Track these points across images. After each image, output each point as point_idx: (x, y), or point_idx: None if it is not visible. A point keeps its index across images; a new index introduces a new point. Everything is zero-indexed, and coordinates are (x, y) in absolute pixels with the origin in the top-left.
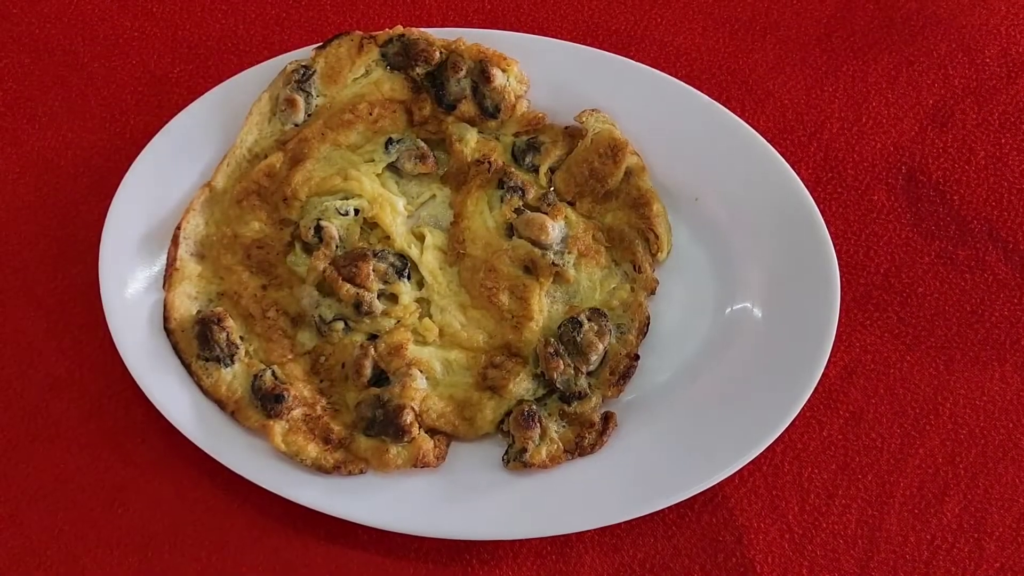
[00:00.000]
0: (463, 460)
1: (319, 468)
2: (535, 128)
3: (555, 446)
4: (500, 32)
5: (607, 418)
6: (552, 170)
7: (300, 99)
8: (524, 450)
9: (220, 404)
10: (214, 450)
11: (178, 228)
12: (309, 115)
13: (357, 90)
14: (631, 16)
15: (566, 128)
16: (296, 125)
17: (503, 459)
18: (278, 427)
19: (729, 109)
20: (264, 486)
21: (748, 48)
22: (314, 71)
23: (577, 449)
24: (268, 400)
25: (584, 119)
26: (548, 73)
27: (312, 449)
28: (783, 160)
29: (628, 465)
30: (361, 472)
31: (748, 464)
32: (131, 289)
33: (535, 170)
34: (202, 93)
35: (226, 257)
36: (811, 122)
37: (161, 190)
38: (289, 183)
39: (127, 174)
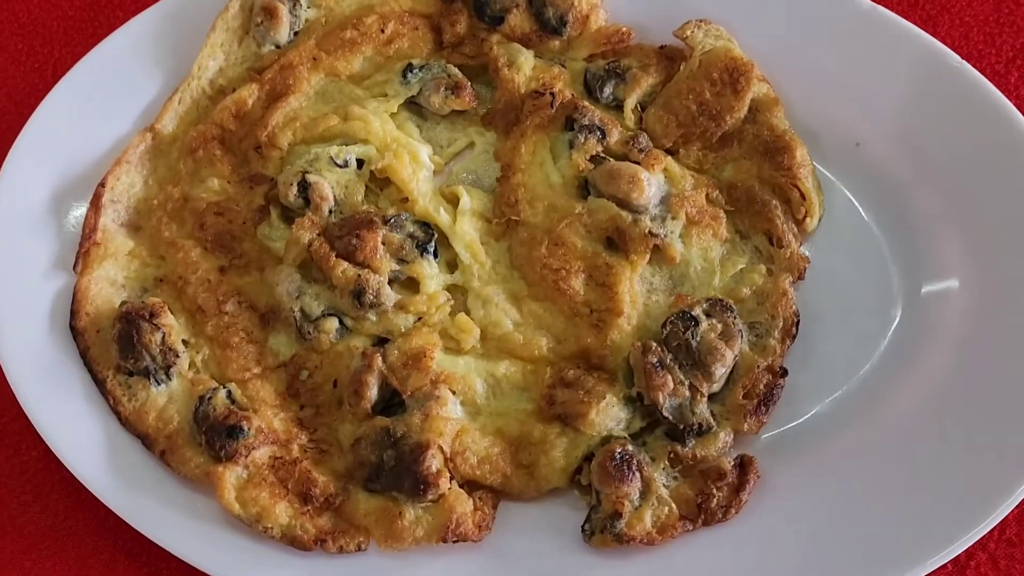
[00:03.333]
0: (519, 532)
1: (293, 542)
2: (616, 49)
3: (665, 509)
4: None
5: (744, 465)
6: (642, 107)
7: (283, 8)
8: (617, 516)
9: (146, 440)
10: (132, 513)
11: (101, 186)
12: (296, 33)
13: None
14: None
15: (661, 48)
16: (277, 47)
17: (583, 530)
18: (230, 476)
19: None
20: (207, 569)
21: None
22: None
23: (700, 514)
24: (218, 434)
25: (688, 34)
26: None
27: (283, 512)
28: (992, 86)
29: (780, 542)
30: (359, 549)
31: (976, 543)
32: (24, 271)
33: (618, 106)
34: None
35: (170, 228)
36: (1007, 45)
37: (81, 136)
38: (265, 125)
39: (33, 115)
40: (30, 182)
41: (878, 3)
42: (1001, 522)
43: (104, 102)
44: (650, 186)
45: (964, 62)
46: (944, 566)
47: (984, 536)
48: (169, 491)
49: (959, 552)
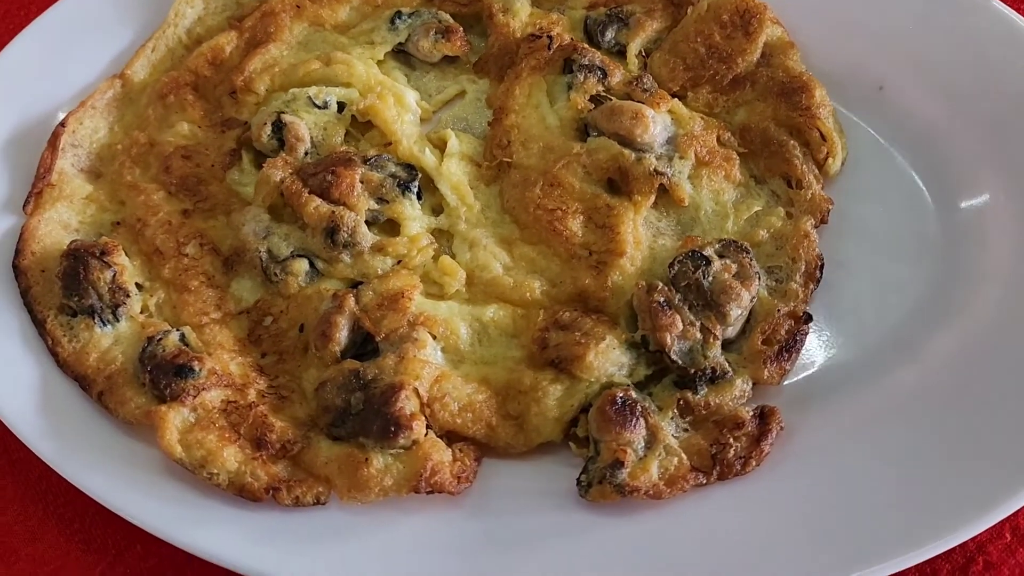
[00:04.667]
0: (505, 488)
1: (242, 490)
2: None
3: (675, 460)
4: None
5: (766, 415)
6: (646, 53)
7: None
8: (618, 465)
9: (83, 382)
10: (60, 459)
11: (61, 126)
12: None
13: None
14: None
15: None
16: None
17: (579, 483)
18: (174, 417)
19: None
20: (142, 523)
21: None
22: None
23: (715, 466)
24: (163, 372)
25: None
26: None
27: (231, 457)
28: (1015, 15)
29: (808, 499)
30: (318, 501)
31: None
32: None
33: (620, 52)
34: None
35: (132, 172)
36: None
37: (48, 80)
38: (242, 71)
39: None
40: None
41: None
42: None
43: (74, 47)
44: (655, 124)
45: None
46: (1003, 536)
47: None
48: (105, 439)
49: (999, 519)
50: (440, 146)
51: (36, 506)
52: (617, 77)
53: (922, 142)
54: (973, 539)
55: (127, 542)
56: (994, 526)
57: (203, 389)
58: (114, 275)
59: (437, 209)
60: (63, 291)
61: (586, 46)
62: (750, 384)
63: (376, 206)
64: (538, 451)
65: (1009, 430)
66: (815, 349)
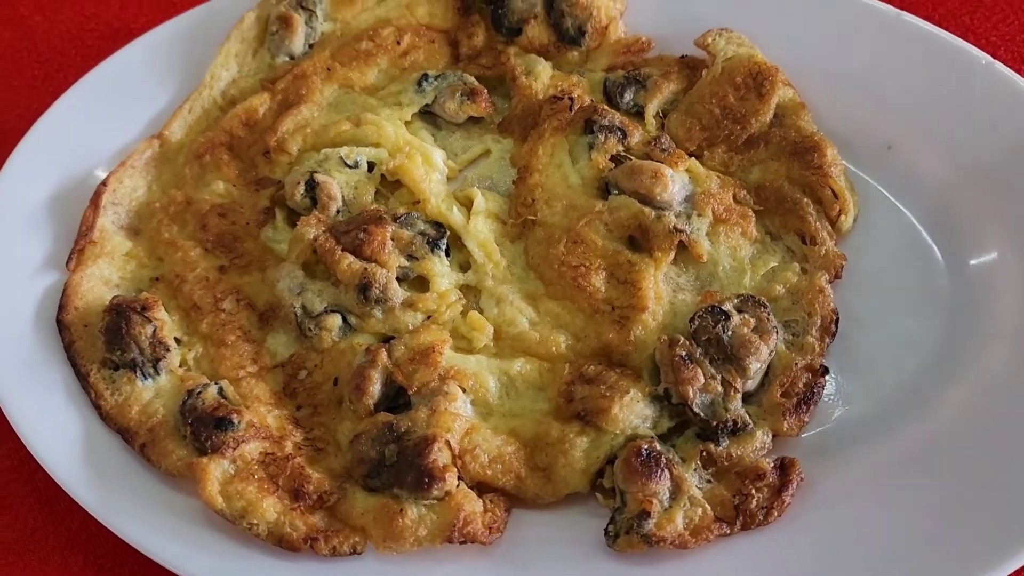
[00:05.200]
0: (535, 538)
1: (281, 541)
2: (636, 60)
3: (699, 510)
4: None
5: (786, 466)
6: (664, 114)
7: (299, 18)
8: (645, 515)
9: (126, 435)
10: (104, 510)
11: (103, 185)
12: (311, 46)
13: (381, 14)
14: None
15: (682, 57)
16: (291, 58)
17: (606, 533)
18: (215, 468)
19: None
20: (184, 573)
21: None
22: None
23: (738, 516)
24: (204, 425)
25: (710, 42)
26: None
27: (271, 508)
28: (1019, 78)
29: (829, 547)
30: (354, 551)
31: None
32: (17, 266)
33: (639, 112)
34: None
35: (170, 229)
36: None
37: (89, 140)
38: (275, 131)
39: (43, 116)
40: (33, 180)
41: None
42: None
43: (115, 108)
44: (673, 182)
45: (991, 58)
46: None
47: None
48: (148, 490)
49: (1013, 570)
50: (467, 204)
51: (77, 555)
52: (636, 137)
53: (931, 199)
54: None
55: None
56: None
57: (242, 441)
58: (154, 330)
59: (465, 265)
60: (106, 345)
61: (606, 107)
62: (770, 436)
63: (406, 263)
64: (566, 502)
65: (1022, 482)
66: (832, 401)
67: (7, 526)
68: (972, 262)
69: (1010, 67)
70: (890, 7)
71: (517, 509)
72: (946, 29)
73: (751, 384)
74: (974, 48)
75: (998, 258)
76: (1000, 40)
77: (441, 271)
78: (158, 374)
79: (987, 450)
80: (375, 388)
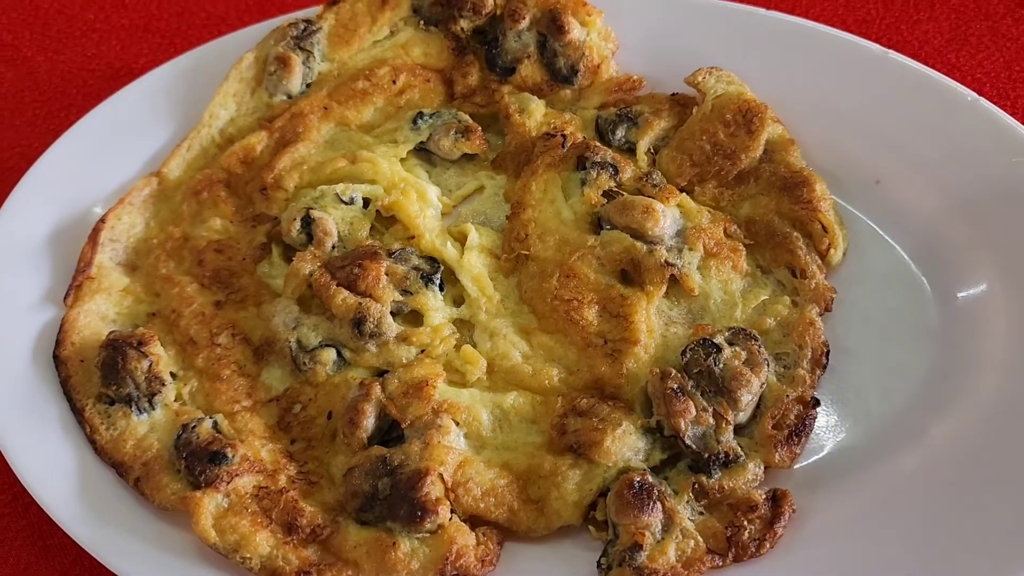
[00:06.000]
0: (528, 570)
1: (273, 575)
2: (627, 98)
3: (691, 543)
4: None
5: (778, 498)
6: (654, 151)
7: (297, 58)
8: (637, 548)
9: (120, 469)
10: (98, 545)
11: (101, 222)
12: (308, 85)
13: (377, 54)
14: None
15: (672, 95)
16: (288, 97)
17: (599, 566)
18: (209, 503)
19: None
20: None
21: (912, 20)
22: (319, 28)
23: (730, 548)
24: (199, 459)
25: (700, 80)
26: (646, 31)
27: (264, 541)
28: (1011, 119)
29: None
30: None
31: None
32: (14, 302)
33: (630, 149)
34: None
35: (167, 265)
36: (1021, 98)
37: (88, 178)
38: (272, 168)
39: (42, 155)
40: (32, 217)
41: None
42: None
43: (114, 146)
44: (665, 217)
45: (976, 95)
46: None
47: None
48: (141, 525)
49: None
50: (460, 239)
51: None
52: (628, 173)
53: (919, 233)
54: None
55: None
56: None
57: (236, 475)
58: (150, 365)
59: (458, 300)
60: (102, 380)
61: (598, 144)
62: (762, 468)
63: (400, 297)
64: (558, 535)
65: (1014, 508)
66: (823, 433)
67: (0, 561)
68: (960, 294)
69: (995, 103)
70: (877, 46)
71: (510, 542)
72: (932, 67)
73: (743, 416)
74: (959, 85)
75: (987, 290)
76: (985, 77)
77: (435, 305)
78: (153, 408)
79: (978, 480)
80: (369, 421)
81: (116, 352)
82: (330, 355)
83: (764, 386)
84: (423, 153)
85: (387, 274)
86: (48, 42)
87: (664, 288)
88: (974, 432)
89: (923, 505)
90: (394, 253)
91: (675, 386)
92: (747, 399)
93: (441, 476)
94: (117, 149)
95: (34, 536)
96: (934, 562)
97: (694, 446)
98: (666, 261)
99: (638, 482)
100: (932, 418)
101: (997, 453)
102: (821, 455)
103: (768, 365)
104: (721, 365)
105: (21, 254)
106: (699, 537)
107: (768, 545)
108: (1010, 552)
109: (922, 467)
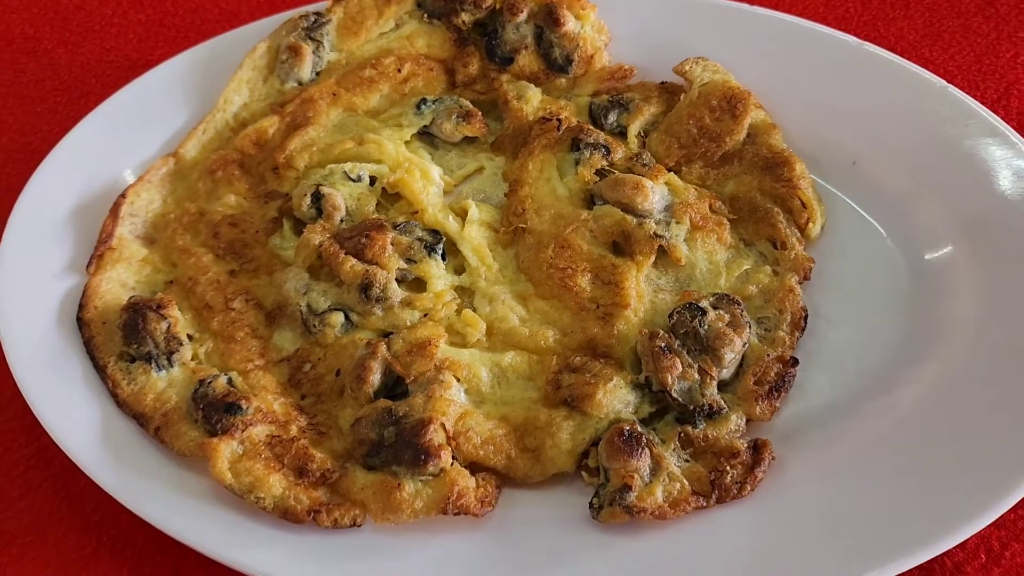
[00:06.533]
0: (524, 512)
1: (286, 513)
2: (619, 86)
3: (677, 485)
4: None
5: (759, 446)
6: (644, 134)
7: (307, 48)
8: (627, 489)
9: (141, 419)
10: (121, 489)
11: (121, 197)
12: (318, 73)
13: (383, 44)
14: None
15: (662, 84)
16: (299, 84)
17: (591, 506)
18: (225, 448)
19: None
20: (195, 545)
21: (888, 17)
22: (328, 20)
23: (714, 491)
24: (215, 409)
25: (687, 69)
26: (637, 24)
27: (277, 483)
28: (979, 106)
29: (797, 520)
30: (354, 524)
31: (991, 524)
32: (40, 270)
33: (622, 133)
34: None
35: (184, 237)
36: (992, 88)
37: (110, 157)
38: (283, 149)
39: (67, 135)
40: (57, 192)
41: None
42: None
43: (135, 128)
44: (654, 193)
45: (945, 82)
46: (979, 556)
47: (1019, 525)
48: (160, 470)
49: (969, 535)
50: (462, 214)
51: (91, 536)
52: (619, 154)
53: (891, 207)
54: (951, 559)
55: (174, 569)
56: (970, 548)
57: (250, 424)
58: (168, 326)
59: (459, 269)
60: (123, 340)
61: (591, 127)
62: (744, 420)
63: (405, 266)
64: (553, 480)
65: (974, 459)
66: (801, 389)
67: (25, 510)
68: (927, 256)
69: (965, 92)
70: (853, 38)
71: (507, 488)
72: (907, 60)
73: (726, 373)
74: (930, 74)
75: (951, 251)
76: (956, 69)
77: (437, 273)
78: (171, 366)
79: (943, 433)
80: (375, 377)
81: (137, 314)
82: (338, 318)
83: (746, 346)
84: (426, 136)
85: (392, 244)
86: (68, 35)
87: (653, 258)
88: (940, 389)
89: (892, 455)
90: (399, 226)
91: (663, 345)
92: (730, 357)
93: (443, 425)
94: (137, 131)
95: (56, 487)
96: (901, 505)
97: (680, 399)
98: (655, 233)
99: (628, 430)
100: (902, 376)
101: (961, 409)
102: (798, 409)
103: (750, 327)
104: (706, 326)
105: (47, 226)
106: (684, 480)
107: (749, 488)
108: (970, 501)
109: (892, 422)
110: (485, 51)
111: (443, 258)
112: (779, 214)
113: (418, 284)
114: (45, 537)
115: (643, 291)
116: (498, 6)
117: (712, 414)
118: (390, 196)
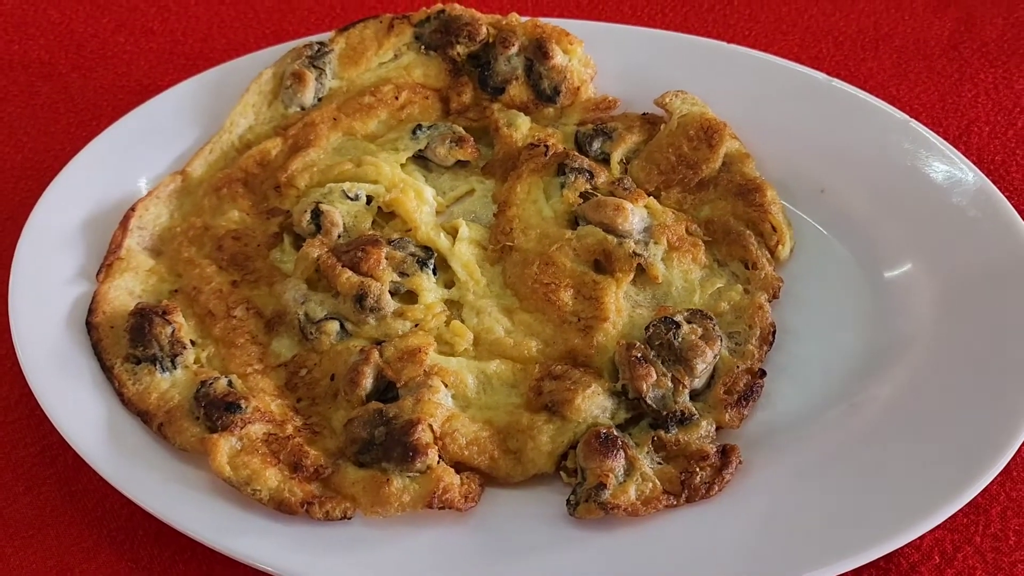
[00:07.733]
0: (505, 509)
1: (280, 505)
2: (603, 116)
3: (649, 485)
4: (563, 20)
5: (727, 451)
6: (626, 161)
7: (311, 75)
8: (602, 487)
9: (145, 417)
10: (124, 481)
11: (131, 210)
12: (319, 99)
13: (382, 73)
14: (712, 29)
15: (643, 114)
16: (302, 108)
17: (568, 503)
18: (224, 444)
19: None
20: (193, 534)
21: (859, 58)
22: (331, 49)
23: (684, 490)
24: (215, 407)
25: (667, 101)
26: (621, 59)
27: (272, 476)
28: (939, 139)
29: (762, 518)
30: (344, 516)
31: (941, 526)
32: (51, 277)
33: (605, 159)
34: None
35: (189, 250)
36: (953, 127)
37: (120, 174)
38: (286, 169)
39: (79, 152)
40: (69, 205)
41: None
42: (987, 516)
43: (144, 147)
44: (633, 215)
45: (907, 117)
46: (932, 557)
47: (971, 530)
48: (163, 464)
49: (924, 531)
50: (453, 233)
51: (92, 530)
52: (602, 179)
53: (856, 231)
54: (907, 560)
55: (172, 560)
56: (925, 549)
57: (248, 422)
58: (173, 331)
59: (449, 283)
60: (130, 343)
61: (576, 154)
62: (714, 426)
63: (398, 279)
64: (533, 480)
65: (928, 463)
66: (769, 399)
67: (29, 505)
68: (887, 275)
69: (929, 128)
70: (823, 74)
71: (490, 487)
72: (876, 96)
73: (698, 383)
74: (894, 108)
75: (911, 270)
76: (921, 107)
77: (428, 287)
78: (175, 368)
79: (900, 439)
80: (367, 381)
81: (143, 319)
82: (334, 326)
83: (717, 358)
84: (421, 160)
85: (386, 258)
86: (82, 61)
87: (632, 275)
88: (898, 398)
89: (851, 461)
90: (393, 241)
91: (639, 355)
92: (701, 367)
93: (431, 426)
94: (146, 149)
95: (61, 483)
96: (861, 507)
97: (654, 405)
98: (634, 252)
99: (604, 433)
100: (865, 387)
101: (917, 416)
102: (765, 418)
103: (721, 341)
104: (680, 339)
105: (59, 237)
106: (656, 480)
107: (717, 488)
108: (923, 502)
109: (852, 429)
110: (478, 81)
111: (434, 273)
112: (751, 237)
113: (410, 296)
114: (48, 530)
115: (622, 306)
116: (491, 40)
117: (684, 420)
118: (385, 214)
